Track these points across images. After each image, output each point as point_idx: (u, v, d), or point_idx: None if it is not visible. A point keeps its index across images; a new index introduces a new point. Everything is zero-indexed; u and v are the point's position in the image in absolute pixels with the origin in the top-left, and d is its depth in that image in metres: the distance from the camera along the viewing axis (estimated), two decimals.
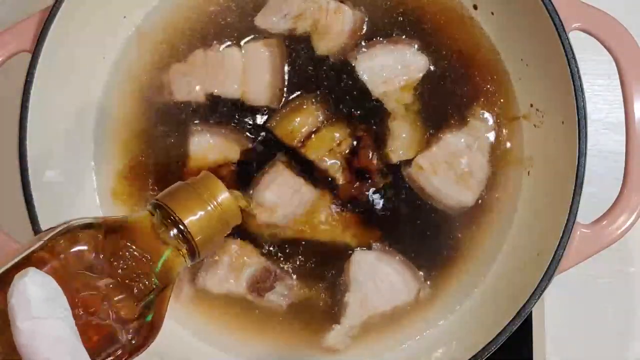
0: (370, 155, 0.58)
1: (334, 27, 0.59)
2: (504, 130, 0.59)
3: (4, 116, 0.55)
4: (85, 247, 0.37)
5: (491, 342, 0.52)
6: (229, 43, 0.60)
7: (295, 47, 0.60)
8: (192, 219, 0.41)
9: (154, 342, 0.39)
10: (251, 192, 0.58)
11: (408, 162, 0.58)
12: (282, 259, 0.58)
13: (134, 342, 0.38)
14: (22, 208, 0.54)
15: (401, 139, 0.59)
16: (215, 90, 0.60)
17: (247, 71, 0.60)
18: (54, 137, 0.58)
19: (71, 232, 0.37)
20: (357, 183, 0.58)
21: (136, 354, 0.38)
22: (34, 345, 0.32)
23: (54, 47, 0.55)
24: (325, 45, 0.60)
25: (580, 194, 0.51)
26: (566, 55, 0.52)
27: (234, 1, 0.61)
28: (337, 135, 0.58)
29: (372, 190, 0.58)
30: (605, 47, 0.53)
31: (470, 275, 0.59)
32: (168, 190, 0.43)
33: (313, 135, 0.58)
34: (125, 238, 0.39)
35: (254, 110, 0.59)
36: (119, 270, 0.38)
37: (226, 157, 0.59)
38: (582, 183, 0.51)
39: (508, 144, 0.59)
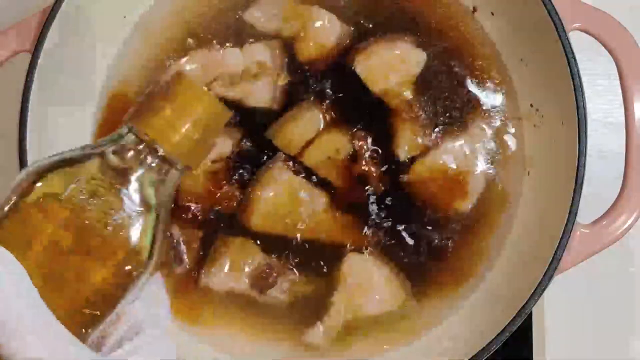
0: (369, 160, 0.58)
1: (319, 37, 0.59)
2: (503, 131, 0.59)
3: (4, 116, 0.55)
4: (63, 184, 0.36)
5: (491, 342, 0.52)
6: (229, 44, 0.60)
7: (295, 49, 0.60)
8: (172, 139, 0.37)
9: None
10: (249, 190, 0.58)
11: (406, 168, 0.58)
12: (282, 256, 0.58)
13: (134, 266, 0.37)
14: None
15: (403, 137, 0.58)
16: (214, 91, 0.60)
17: (247, 72, 0.60)
18: (54, 137, 0.58)
19: (41, 174, 0.37)
20: (356, 188, 0.58)
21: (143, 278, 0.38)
22: None
23: (54, 47, 0.55)
24: (307, 52, 0.59)
25: (580, 194, 0.51)
26: (566, 55, 0.52)
27: (232, 2, 0.61)
28: (336, 141, 0.58)
29: (370, 195, 0.58)
30: (605, 47, 0.53)
31: (470, 276, 0.59)
32: (137, 108, 0.39)
33: (312, 145, 0.58)
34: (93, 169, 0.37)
35: (253, 111, 0.59)
36: (93, 207, 0.36)
37: (219, 152, 0.59)
38: (582, 183, 0.51)
39: (508, 145, 0.59)
